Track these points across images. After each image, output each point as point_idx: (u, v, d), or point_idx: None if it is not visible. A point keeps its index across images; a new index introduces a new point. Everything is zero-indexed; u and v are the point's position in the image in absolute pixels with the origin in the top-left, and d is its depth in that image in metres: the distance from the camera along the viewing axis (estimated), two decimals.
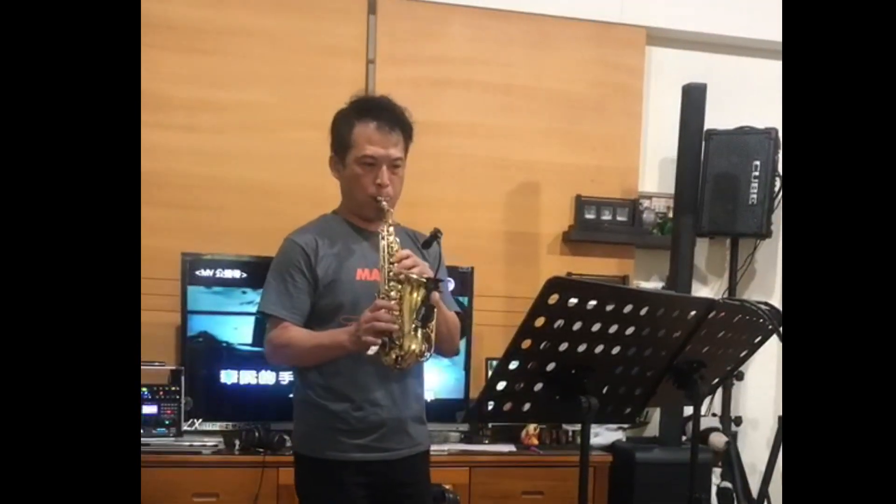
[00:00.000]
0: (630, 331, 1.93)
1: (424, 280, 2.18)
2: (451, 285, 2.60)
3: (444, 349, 2.44)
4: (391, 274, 2.22)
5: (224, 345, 3.46)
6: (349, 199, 2.43)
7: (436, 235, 2.25)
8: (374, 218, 2.36)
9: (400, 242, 2.29)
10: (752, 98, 4.03)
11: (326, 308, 2.35)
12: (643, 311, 1.91)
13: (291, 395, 3.40)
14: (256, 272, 3.48)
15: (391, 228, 2.28)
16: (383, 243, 2.26)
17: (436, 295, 2.21)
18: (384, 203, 2.31)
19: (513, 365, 1.84)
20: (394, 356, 2.20)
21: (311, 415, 2.39)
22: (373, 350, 2.18)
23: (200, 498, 3.20)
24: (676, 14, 4.03)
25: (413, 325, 2.20)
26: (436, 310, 2.20)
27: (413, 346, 2.20)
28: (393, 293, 2.20)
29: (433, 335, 2.24)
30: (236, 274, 3.47)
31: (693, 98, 3.68)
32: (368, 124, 2.34)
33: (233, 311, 3.47)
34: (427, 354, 2.25)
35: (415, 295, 2.19)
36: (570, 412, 1.91)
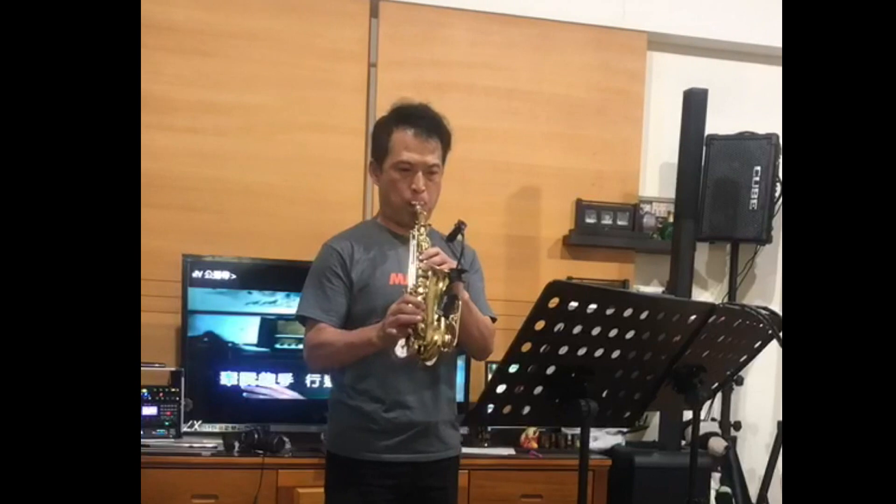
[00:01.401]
0: (630, 335, 1.93)
1: (447, 271, 2.20)
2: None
3: (476, 350, 2.49)
4: (419, 271, 2.24)
5: (229, 345, 3.46)
6: (386, 204, 2.46)
7: (459, 228, 2.27)
8: (410, 223, 2.37)
9: (430, 242, 2.32)
10: (753, 103, 4.04)
11: (361, 311, 2.38)
12: (643, 316, 1.92)
13: (291, 397, 3.48)
14: (257, 274, 3.50)
15: (422, 228, 2.32)
16: (413, 242, 2.30)
17: (460, 287, 2.23)
18: (418, 207, 2.34)
19: (513, 368, 1.85)
20: (416, 347, 2.21)
21: (343, 415, 2.42)
22: (400, 351, 2.20)
23: (199, 499, 3.20)
24: (678, 19, 4.04)
25: (436, 315, 2.21)
26: (459, 301, 2.22)
27: (436, 337, 2.20)
28: (421, 289, 2.23)
29: (457, 326, 2.23)
30: (237, 276, 3.48)
31: (694, 103, 3.69)
32: (406, 131, 2.37)
33: (236, 312, 3.47)
34: (451, 346, 2.24)
35: (439, 285, 2.22)
36: (569, 416, 1.91)
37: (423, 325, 2.19)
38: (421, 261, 2.24)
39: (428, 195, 2.38)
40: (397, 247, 2.42)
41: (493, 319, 2.52)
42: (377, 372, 2.35)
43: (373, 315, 2.36)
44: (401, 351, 2.21)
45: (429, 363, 2.23)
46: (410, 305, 2.18)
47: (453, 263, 2.24)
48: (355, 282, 2.38)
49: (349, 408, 2.39)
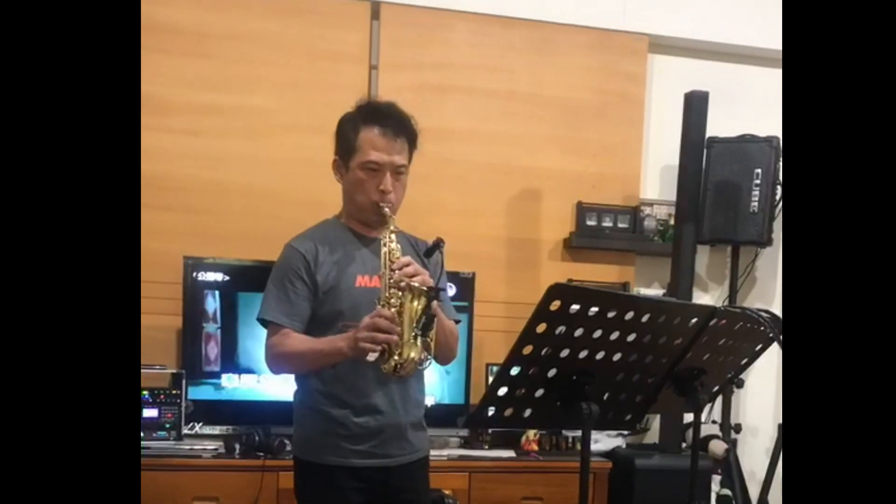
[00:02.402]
0: (631, 338, 1.93)
1: (425, 289, 2.18)
2: (452, 291, 2.61)
3: (441, 357, 2.44)
4: (392, 281, 2.21)
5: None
6: (351, 203, 2.42)
7: (438, 245, 2.25)
8: (376, 224, 2.35)
9: (401, 249, 2.29)
10: (753, 106, 4.04)
11: (326, 314, 2.35)
12: (644, 319, 1.92)
13: (292, 399, 3.47)
14: (258, 276, 3.50)
15: (393, 235, 2.28)
16: (385, 250, 2.26)
17: (436, 304, 2.21)
18: (386, 209, 2.31)
19: (514, 371, 1.85)
20: (393, 364, 2.20)
21: (310, 420, 2.39)
22: (372, 357, 2.18)
23: (200, 502, 3.20)
24: (678, 22, 4.04)
25: (413, 334, 2.19)
26: (436, 319, 2.20)
27: (412, 355, 2.20)
28: (393, 300, 2.20)
29: (432, 343, 2.24)
30: (238, 278, 3.48)
31: (695, 106, 3.69)
32: (373, 130, 2.34)
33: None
34: (426, 362, 2.25)
35: (415, 304, 2.19)
36: (570, 418, 1.91)
37: (398, 343, 2.18)
38: (393, 271, 2.21)
39: (395, 196, 2.35)
40: (361, 247, 2.40)
41: (457, 322, 2.49)
42: (345, 375, 2.32)
43: (339, 318, 2.33)
44: (372, 355, 2.18)
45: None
46: (385, 321, 2.16)
47: (426, 275, 2.22)
48: (320, 284, 2.34)
49: (317, 412, 2.36)
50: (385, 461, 2.36)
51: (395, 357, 2.19)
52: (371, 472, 2.34)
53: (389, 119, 2.36)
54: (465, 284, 3.60)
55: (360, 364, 2.25)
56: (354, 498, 2.34)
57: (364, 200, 2.36)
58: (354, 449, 2.33)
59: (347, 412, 2.33)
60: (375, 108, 2.41)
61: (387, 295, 2.21)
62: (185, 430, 3.39)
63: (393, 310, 2.19)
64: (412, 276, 2.20)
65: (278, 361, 2.39)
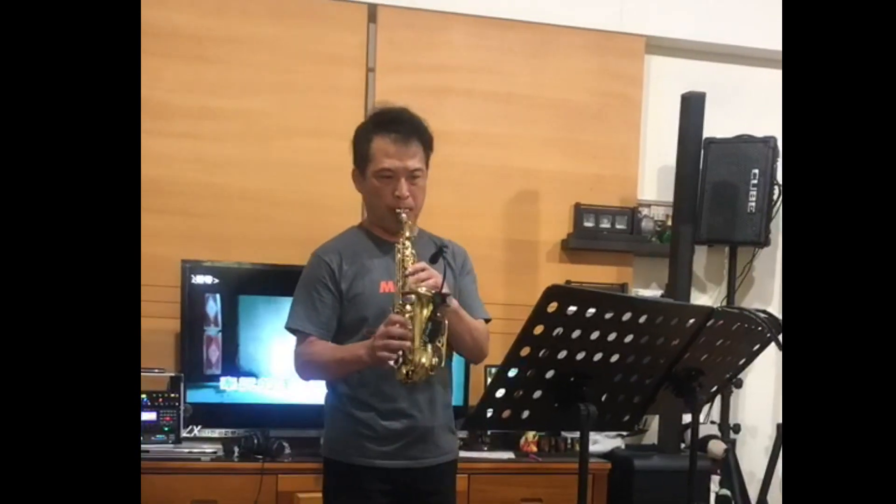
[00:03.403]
0: (629, 339, 1.94)
1: (431, 295, 2.20)
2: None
3: (470, 356, 2.50)
4: (406, 287, 2.24)
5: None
6: (371, 211, 2.47)
7: (441, 251, 2.27)
8: (396, 230, 2.37)
9: (420, 252, 2.31)
10: (751, 107, 4.05)
11: (352, 321, 2.39)
12: (642, 320, 1.92)
13: (291, 403, 3.47)
14: (256, 279, 3.50)
15: (407, 242, 2.30)
16: (399, 257, 2.29)
17: (453, 302, 2.23)
18: (403, 215, 2.33)
19: (512, 372, 1.85)
20: (405, 371, 2.22)
21: (339, 422, 2.43)
22: (392, 363, 2.21)
23: None
24: (676, 23, 4.05)
25: (422, 340, 2.21)
26: (445, 324, 2.22)
27: (423, 360, 2.22)
28: (407, 306, 2.22)
29: (444, 348, 2.25)
30: (236, 281, 3.48)
31: (692, 107, 3.69)
32: (386, 137, 2.37)
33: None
34: (438, 367, 2.26)
35: (424, 311, 2.21)
36: (568, 420, 1.92)
37: (410, 348, 2.20)
38: (406, 277, 2.24)
39: (413, 200, 2.37)
40: (384, 254, 2.42)
41: (487, 320, 2.52)
42: (371, 381, 2.36)
43: (364, 324, 2.37)
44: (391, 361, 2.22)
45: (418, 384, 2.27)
46: (398, 327, 2.18)
47: (439, 279, 2.23)
48: (345, 292, 2.39)
49: (345, 415, 2.40)
50: (410, 462, 2.38)
51: (408, 364, 2.21)
52: (397, 474, 2.37)
53: (401, 125, 2.39)
54: None
55: (384, 370, 2.27)
56: (379, 499, 2.36)
57: (382, 208, 2.39)
58: (380, 450, 2.36)
59: (373, 415, 2.36)
60: (387, 114, 2.44)
61: (400, 302, 2.24)
62: (184, 434, 3.38)
63: (408, 316, 2.21)
64: (424, 280, 2.21)
65: (306, 369, 2.44)
